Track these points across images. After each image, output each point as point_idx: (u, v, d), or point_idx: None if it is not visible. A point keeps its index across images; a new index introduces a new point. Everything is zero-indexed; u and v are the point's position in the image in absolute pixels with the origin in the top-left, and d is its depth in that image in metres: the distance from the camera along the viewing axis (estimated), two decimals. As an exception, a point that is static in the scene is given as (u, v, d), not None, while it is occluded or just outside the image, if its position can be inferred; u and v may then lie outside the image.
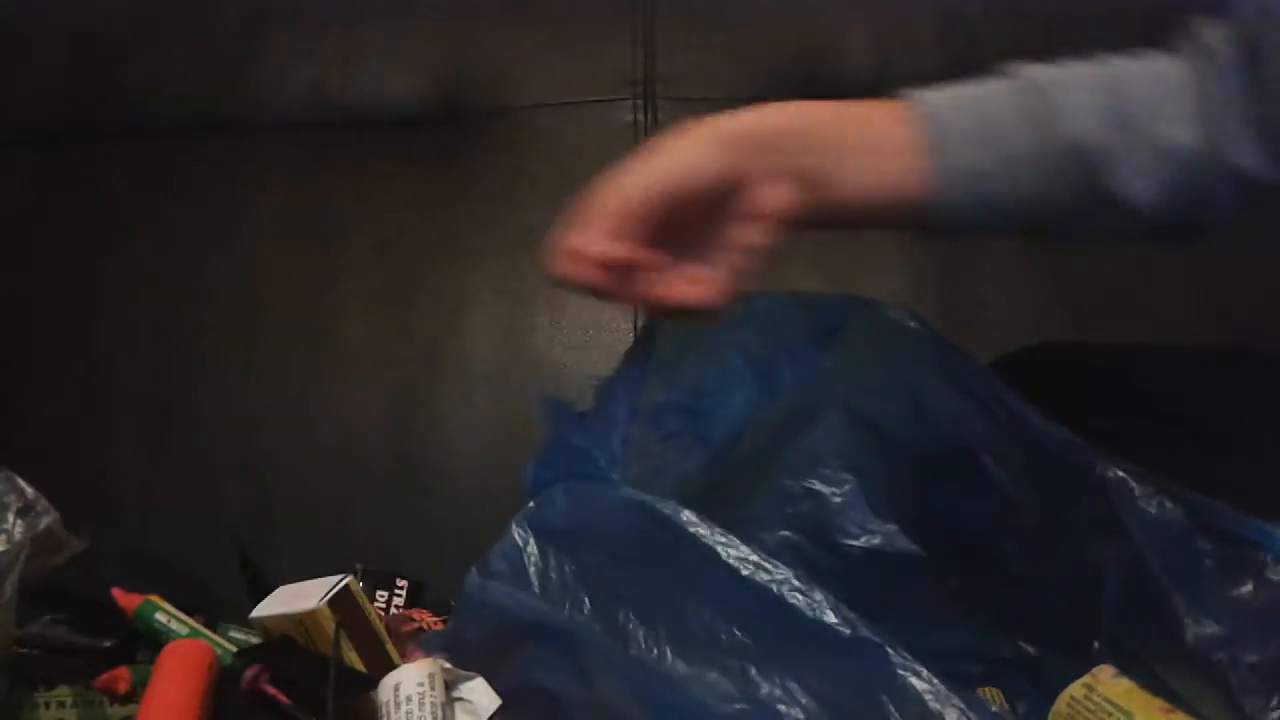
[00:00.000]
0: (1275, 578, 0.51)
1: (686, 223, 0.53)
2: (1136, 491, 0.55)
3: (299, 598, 0.57)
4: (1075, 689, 0.52)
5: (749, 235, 0.53)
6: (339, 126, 1.06)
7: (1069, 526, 0.57)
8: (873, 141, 0.56)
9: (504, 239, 1.02)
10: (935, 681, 0.45)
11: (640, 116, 1.04)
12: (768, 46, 1.06)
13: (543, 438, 0.98)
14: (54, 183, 1.07)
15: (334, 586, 0.56)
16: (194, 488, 0.98)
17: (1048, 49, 1.04)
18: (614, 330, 1.01)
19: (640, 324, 1.01)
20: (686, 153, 0.53)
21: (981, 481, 0.59)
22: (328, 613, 0.55)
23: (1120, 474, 0.56)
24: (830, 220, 0.56)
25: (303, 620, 0.55)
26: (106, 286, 1.03)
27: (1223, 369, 0.65)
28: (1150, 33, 1.07)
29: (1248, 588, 0.51)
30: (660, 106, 1.04)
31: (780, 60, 1.05)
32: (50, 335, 1.03)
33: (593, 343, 1.01)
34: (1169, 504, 0.54)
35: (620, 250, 0.52)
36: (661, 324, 0.63)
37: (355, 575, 0.60)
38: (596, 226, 0.53)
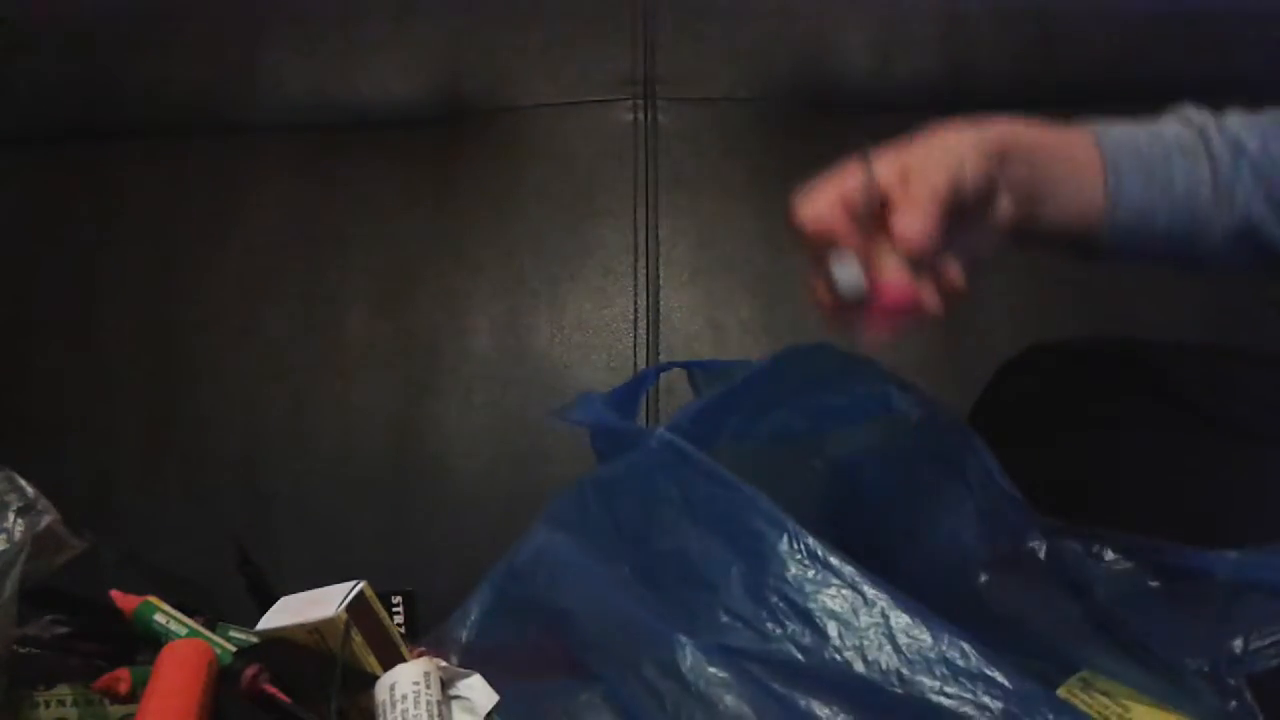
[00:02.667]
0: (1225, 589, 0.52)
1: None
2: (1080, 547, 0.56)
3: (309, 607, 0.57)
4: (1074, 681, 0.52)
5: (979, 244, 0.56)
6: (339, 126, 1.06)
7: (1021, 575, 0.58)
8: (1078, 165, 0.59)
9: (504, 239, 1.02)
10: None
11: (640, 116, 1.04)
12: (768, 46, 1.06)
13: (543, 438, 0.98)
14: (54, 183, 1.07)
15: (349, 593, 0.56)
16: (194, 488, 0.98)
17: (1048, 48, 1.05)
18: (614, 330, 1.01)
19: (641, 326, 1.01)
20: (964, 157, 0.54)
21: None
22: (345, 619, 0.55)
23: (1066, 534, 0.57)
24: (1021, 241, 0.59)
25: (319, 629, 0.55)
26: (106, 286, 1.03)
27: (1231, 361, 0.65)
28: (1150, 32, 1.07)
29: (1208, 614, 0.52)
30: (660, 106, 1.04)
31: (780, 60, 1.05)
32: (50, 335, 1.03)
33: (593, 343, 1.01)
34: (1113, 553, 0.55)
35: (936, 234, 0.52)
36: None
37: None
38: (918, 208, 0.52)
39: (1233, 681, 0.49)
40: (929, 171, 0.52)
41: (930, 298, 0.53)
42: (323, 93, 1.07)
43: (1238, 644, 0.49)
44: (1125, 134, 0.61)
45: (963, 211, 0.54)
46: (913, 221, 0.51)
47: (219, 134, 1.07)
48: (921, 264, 0.52)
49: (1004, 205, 0.56)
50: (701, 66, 1.06)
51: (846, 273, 0.53)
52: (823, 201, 0.53)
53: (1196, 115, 0.63)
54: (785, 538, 0.50)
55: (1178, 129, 0.62)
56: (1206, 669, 0.50)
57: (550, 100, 1.05)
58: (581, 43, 1.07)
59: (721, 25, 1.07)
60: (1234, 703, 0.49)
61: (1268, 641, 0.49)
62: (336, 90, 1.07)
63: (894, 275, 0.52)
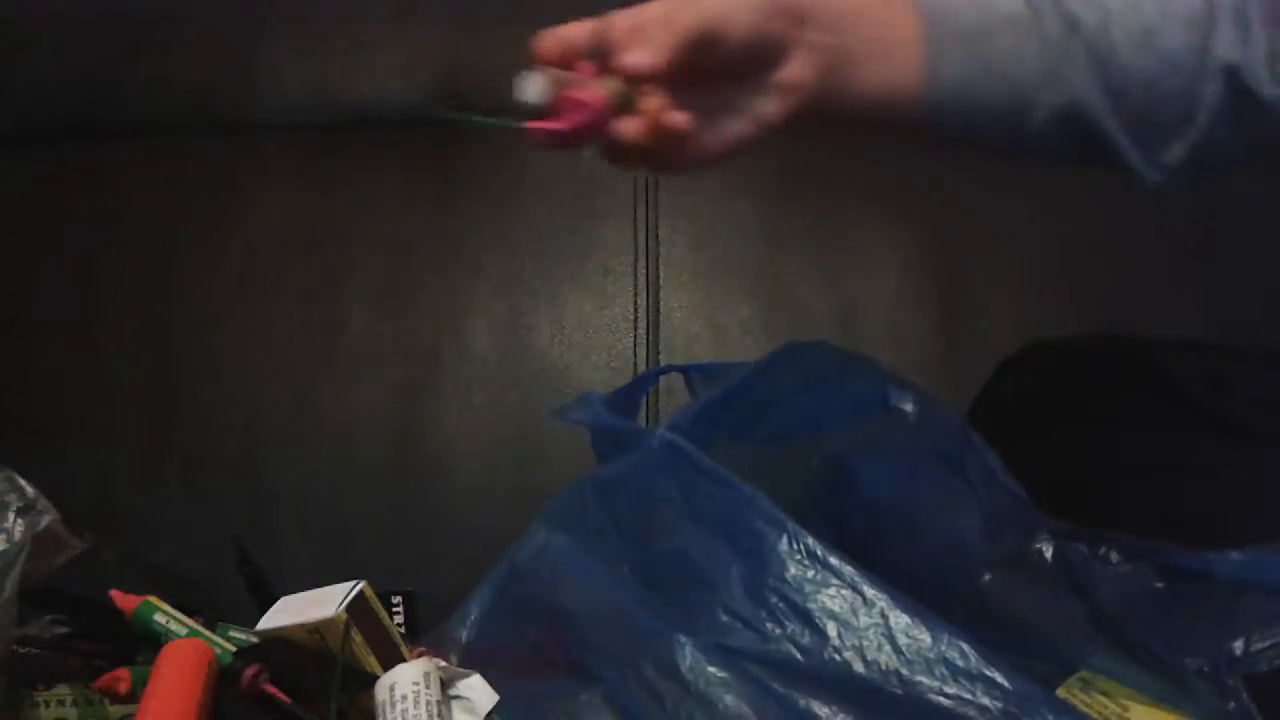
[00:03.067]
0: (1226, 590, 0.52)
1: (703, 76, 0.51)
2: (1086, 548, 0.56)
3: (309, 607, 0.57)
4: (1073, 680, 0.52)
5: (764, 105, 0.53)
6: (339, 126, 1.06)
7: (1023, 576, 0.58)
8: (892, 35, 0.55)
9: (504, 239, 1.02)
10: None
11: (640, 116, 1.04)
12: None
13: (543, 438, 0.98)
14: (54, 183, 1.07)
15: (349, 593, 0.56)
16: (194, 488, 0.98)
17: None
18: (614, 330, 1.01)
19: (641, 326, 1.01)
20: (735, 6, 0.51)
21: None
22: (345, 619, 0.55)
23: (1072, 535, 0.57)
24: (828, 119, 0.55)
25: (319, 629, 0.55)
26: (106, 286, 1.03)
27: (1230, 360, 0.65)
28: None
29: (1210, 615, 0.52)
30: (660, 106, 1.04)
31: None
32: (50, 335, 1.03)
33: (593, 343, 1.01)
34: (1119, 555, 0.55)
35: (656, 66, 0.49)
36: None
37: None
38: (636, 43, 0.50)
39: (1231, 682, 0.49)
40: (677, 13, 0.50)
41: (630, 127, 0.50)
42: (323, 93, 1.07)
43: (1238, 645, 0.49)
44: (950, 3, 0.56)
45: (734, 69, 0.51)
46: (639, 50, 0.49)
47: (219, 134, 1.07)
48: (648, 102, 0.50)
49: (796, 70, 0.52)
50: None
51: (529, 83, 0.51)
52: (560, 33, 0.52)
53: None
54: (785, 538, 0.50)
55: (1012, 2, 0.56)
56: (1206, 670, 0.50)
57: (550, 100, 1.05)
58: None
59: (721, 25, 1.07)
60: (1233, 703, 0.49)
61: (1268, 643, 0.49)
62: (336, 90, 1.07)
63: (584, 91, 0.50)
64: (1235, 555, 0.51)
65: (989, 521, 0.58)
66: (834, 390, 0.63)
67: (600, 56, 0.51)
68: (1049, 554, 0.57)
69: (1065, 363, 0.66)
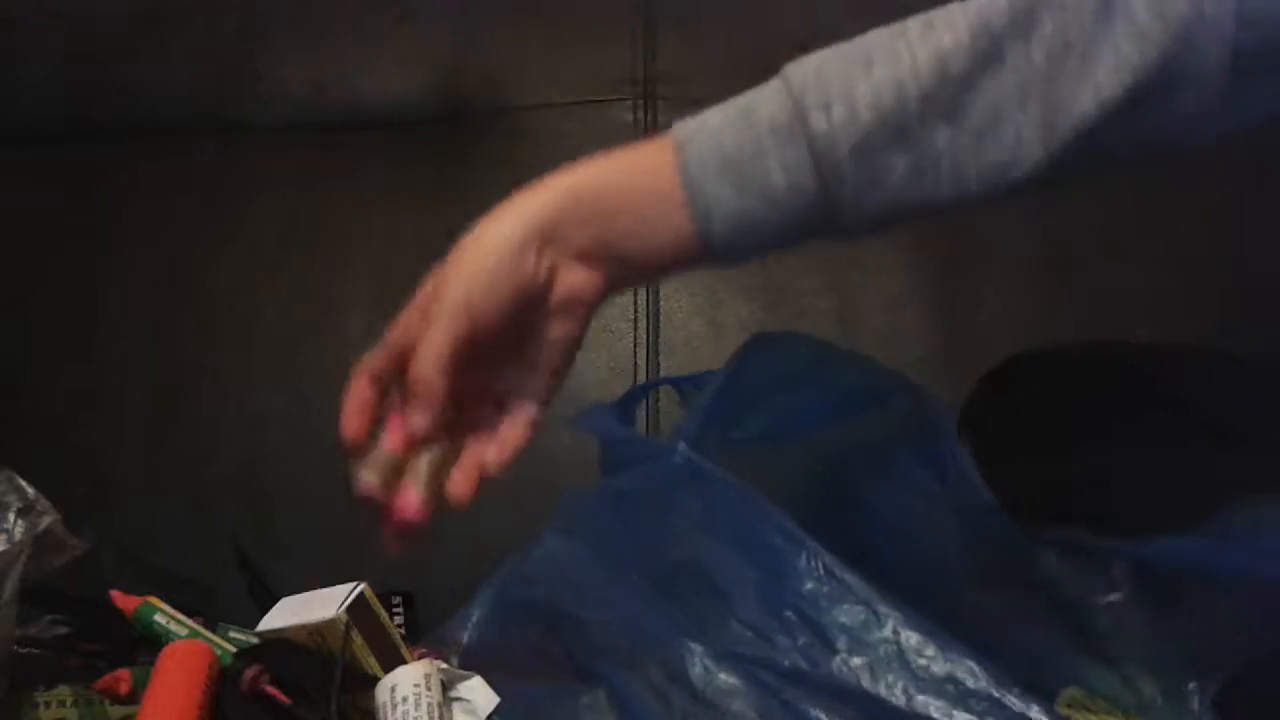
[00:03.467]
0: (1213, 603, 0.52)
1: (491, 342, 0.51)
2: (1071, 558, 0.56)
3: (310, 608, 0.57)
4: (1073, 693, 0.52)
5: (562, 329, 0.52)
6: (339, 126, 1.06)
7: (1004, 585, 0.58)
8: (656, 198, 0.52)
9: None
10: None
11: (640, 116, 1.04)
12: (768, 47, 1.05)
13: (543, 439, 0.98)
14: (54, 183, 1.07)
15: (349, 594, 0.56)
16: (194, 488, 0.98)
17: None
18: (614, 330, 1.01)
19: (641, 326, 1.01)
20: (479, 279, 0.51)
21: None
22: (346, 620, 0.55)
23: (1055, 544, 0.57)
24: (641, 281, 0.54)
25: (319, 630, 0.55)
26: (107, 286, 1.03)
27: (1223, 365, 0.65)
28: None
29: (1196, 628, 0.52)
30: (660, 106, 1.04)
31: (780, 60, 1.05)
32: (51, 335, 1.03)
33: (593, 343, 1.00)
34: (1104, 563, 0.55)
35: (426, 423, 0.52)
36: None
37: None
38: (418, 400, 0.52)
39: (1216, 695, 0.49)
40: (437, 316, 0.51)
41: (454, 487, 0.53)
42: (323, 93, 1.07)
43: (1226, 659, 0.50)
44: (710, 134, 0.53)
45: (518, 324, 0.51)
46: (415, 412, 0.51)
47: (219, 134, 1.07)
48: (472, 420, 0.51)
49: (577, 280, 0.51)
50: (701, 66, 1.06)
51: (359, 473, 0.54)
52: (353, 391, 0.54)
53: (796, 74, 0.55)
54: (804, 555, 0.50)
55: (773, 105, 0.53)
56: (1192, 684, 0.50)
57: (550, 100, 1.05)
58: (581, 43, 1.07)
59: (721, 25, 1.07)
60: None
61: (1255, 656, 0.49)
62: (336, 90, 1.07)
63: (404, 491, 0.53)
64: (1216, 543, 0.51)
65: (970, 531, 0.58)
66: (818, 385, 0.63)
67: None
68: (1032, 567, 0.57)
69: (1055, 371, 0.65)
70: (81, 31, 1.10)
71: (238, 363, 1.01)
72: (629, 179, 0.53)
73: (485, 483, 0.98)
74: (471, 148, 1.05)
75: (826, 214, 0.50)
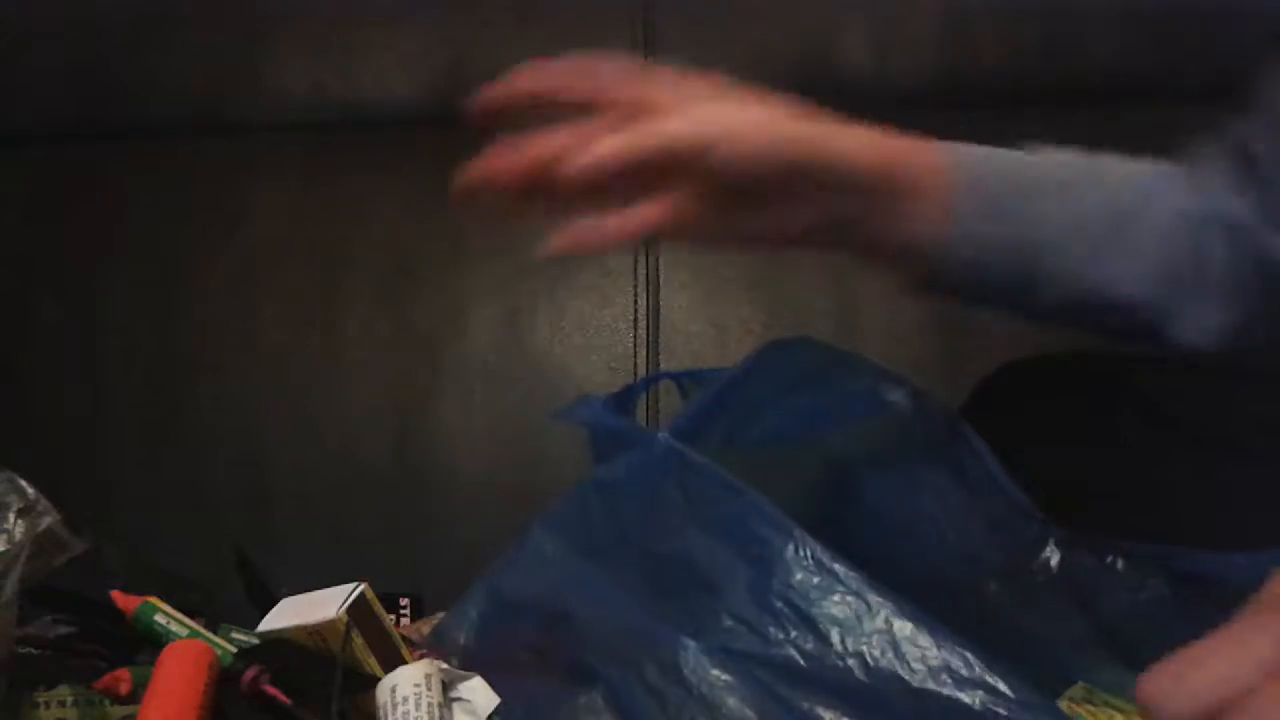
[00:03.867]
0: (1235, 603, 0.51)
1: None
2: (1094, 558, 0.55)
3: (310, 609, 0.57)
4: (1075, 690, 0.52)
5: (759, 224, 0.52)
6: (339, 126, 1.06)
7: (1027, 585, 0.57)
8: (914, 194, 0.53)
9: (504, 239, 1.02)
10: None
11: (640, 116, 1.04)
12: (767, 46, 1.06)
13: (543, 438, 0.98)
14: (54, 183, 1.07)
15: (349, 595, 0.56)
16: (194, 488, 0.98)
17: (1048, 49, 1.05)
18: (614, 330, 1.01)
19: (641, 326, 1.01)
20: (729, 136, 0.50)
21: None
22: (346, 621, 0.55)
23: (1079, 545, 0.56)
24: (828, 244, 0.55)
25: (320, 630, 0.55)
26: (107, 286, 1.03)
27: (1222, 375, 0.64)
28: (1150, 32, 1.07)
29: (1215, 624, 0.52)
30: (660, 106, 1.04)
31: (780, 60, 1.05)
32: (51, 335, 1.03)
33: (593, 343, 1.01)
34: (1126, 563, 0.54)
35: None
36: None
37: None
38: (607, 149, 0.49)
39: None
40: (663, 120, 0.49)
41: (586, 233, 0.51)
42: (323, 93, 1.07)
43: None
44: (986, 157, 0.55)
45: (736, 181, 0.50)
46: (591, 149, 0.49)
47: (219, 134, 1.07)
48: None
49: (802, 213, 0.51)
50: (701, 66, 1.06)
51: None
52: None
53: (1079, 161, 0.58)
54: (791, 544, 0.50)
55: (1052, 167, 0.57)
56: None
57: (550, 100, 1.05)
58: (581, 43, 1.06)
59: (721, 25, 1.07)
60: None
61: None
62: (336, 90, 1.07)
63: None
64: (1245, 558, 0.51)
65: (994, 530, 0.58)
66: (824, 390, 0.63)
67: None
68: (1054, 563, 0.56)
69: (1047, 382, 0.65)
70: (82, 32, 1.10)
71: (238, 363, 1.01)
72: (912, 162, 0.53)
73: (486, 483, 0.98)
74: (471, 148, 1.05)
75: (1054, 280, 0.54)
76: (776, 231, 0.53)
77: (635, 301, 1.01)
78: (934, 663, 0.46)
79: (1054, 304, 0.55)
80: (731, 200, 0.51)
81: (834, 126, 0.52)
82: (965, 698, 0.45)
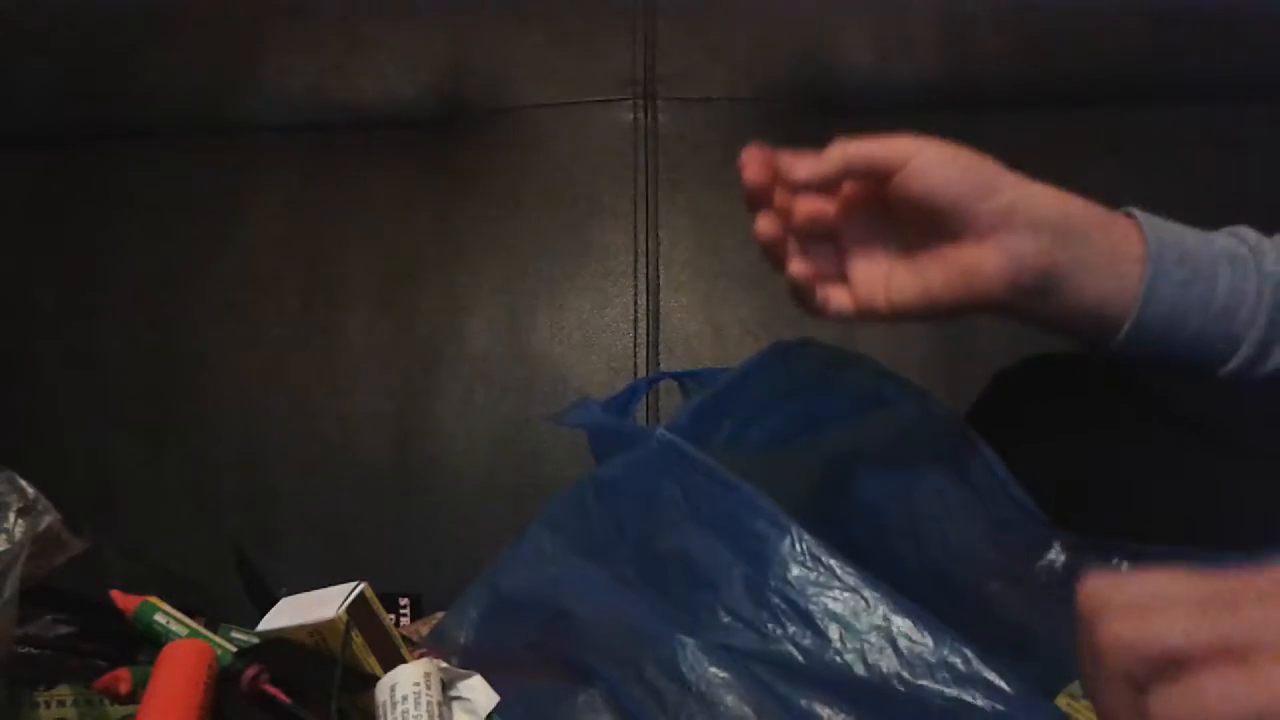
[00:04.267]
0: None
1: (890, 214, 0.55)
2: (1093, 554, 0.56)
3: (310, 608, 0.57)
4: (1074, 686, 0.52)
5: (934, 273, 0.54)
6: (339, 126, 1.06)
7: (1031, 587, 0.57)
8: (1113, 253, 0.55)
9: (504, 239, 1.02)
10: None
11: (640, 116, 1.04)
12: (767, 47, 1.06)
13: (543, 438, 0.98)
14: (54, 183, 1.07)
15: (349, 594, 0.56)
16: (194, 488, 0.98)
17: (1048, 49, 1.05)
18: (614, 330, 1.01)
19: (641, 326, 1.01)
20: (925, 159, 0.53)
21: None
22: (346, 620, 0.55)
23: (1084, 547, 0.56)
24: (1017, 313, 0.56)
25: (319, 630, 0.55)
26: (107, 286, 1.03)
27: None
28: (1150, 32, 1.07)
29: None
30: (660, 106, 1.04)
31: (780, 60, 1.05)
32: (51, 335, 1.03)
33: (593, 343, 1.01)
34: (1125, 561, 0.55)
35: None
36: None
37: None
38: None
39: None
40: (868, 143, 0.53)
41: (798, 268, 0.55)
42: (323, 93, 1.07)
43: None
44: (1171, 229, 0.57)
45: (917, 220, 0.53)
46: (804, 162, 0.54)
47: (220, 134, 1.07)
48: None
49: (984, 256, 0.53)
50: (701, 66, 1.06)
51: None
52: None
53: (1250, 235, 0.59)
54: (788, 539, 0.50)
55: (1229, 240, 0.58)
56: None
57: (550, 100, 1.05)
58: (581, 43, 1.07)
59: (721, 25, 1.07)
60: None
61: None
62: (336, 90, 1.07)
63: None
64: (1249, 558, 0.51)
65: (997, 531, 0.58)
66: (828, 390, 0.63)
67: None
68: (1059, 565, 0.56)
69: (1053, 380, 0.65)
70: (82, 32, 1.10)
71: (238, 363, 1.01)
72: (1096, 215, 0.55)
73: (486, 483, 0.98)
74: (471, 148, 1.05)
75: (1237, 349, 0.56)
76: (942, 282, 0.54)
77: (635, 301, 1.01)
78: (932, 659, 0.46)
79: (1236, 370, 0.57)
80: (926, 243, 0.54)
81: (1017, 174, 0.55)
82: (963, 694, 0.45)
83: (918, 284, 0.55)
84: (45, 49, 1.09)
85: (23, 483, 0.58)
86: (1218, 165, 1.00)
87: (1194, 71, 1.04)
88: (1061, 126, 1.02)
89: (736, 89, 1.04)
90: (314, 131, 1.06)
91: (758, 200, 0.56)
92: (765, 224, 0.56)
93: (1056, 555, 0.57)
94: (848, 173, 0.55)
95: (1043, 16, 1.05)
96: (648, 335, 1.01)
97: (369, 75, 1.07)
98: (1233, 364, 0.57)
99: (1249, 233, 0.59)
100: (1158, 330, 0.55)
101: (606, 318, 1.01)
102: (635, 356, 1.00)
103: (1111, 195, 1.02)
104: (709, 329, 1.01)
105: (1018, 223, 0.53)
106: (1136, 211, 0.57)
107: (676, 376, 0.69)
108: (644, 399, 0.97)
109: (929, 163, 0.53)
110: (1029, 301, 0.55)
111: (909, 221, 0.56)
